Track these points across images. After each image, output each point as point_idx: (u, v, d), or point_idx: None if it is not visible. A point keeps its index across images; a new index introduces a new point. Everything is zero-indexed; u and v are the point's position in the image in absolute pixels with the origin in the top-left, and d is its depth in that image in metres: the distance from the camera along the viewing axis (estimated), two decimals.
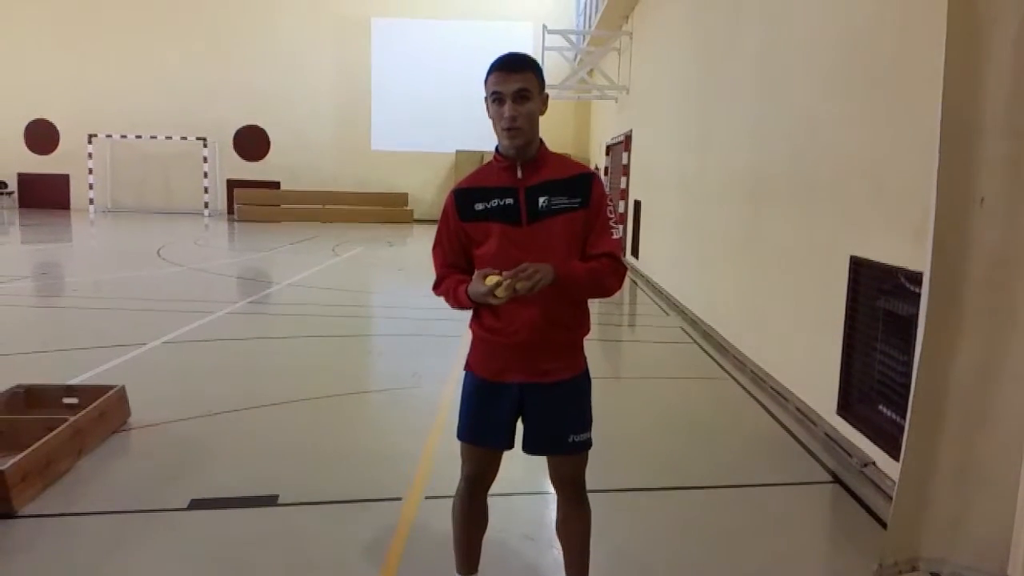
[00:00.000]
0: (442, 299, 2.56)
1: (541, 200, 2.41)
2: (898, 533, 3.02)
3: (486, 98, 2.39)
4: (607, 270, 2.45)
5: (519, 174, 2.43)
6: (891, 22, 4.52)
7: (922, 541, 3.03)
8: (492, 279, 2.27)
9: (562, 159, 2.55)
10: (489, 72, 2.37)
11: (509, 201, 2.42)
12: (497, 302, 2.28)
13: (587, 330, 2.57)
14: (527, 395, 2.50)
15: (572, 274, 2.37)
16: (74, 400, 4.66)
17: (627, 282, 10.80)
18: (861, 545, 3.56)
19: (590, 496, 2.69)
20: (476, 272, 2.35)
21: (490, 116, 2.40)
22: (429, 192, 26.61)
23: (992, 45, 2.74)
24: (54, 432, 3.95)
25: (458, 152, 25.53)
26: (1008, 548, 2.96)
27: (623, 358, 7.96)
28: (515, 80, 2.32)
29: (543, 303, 2.40)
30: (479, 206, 2.44)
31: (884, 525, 3.54)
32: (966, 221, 2.84)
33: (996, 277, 2.85)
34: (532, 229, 2.41)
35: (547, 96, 2.44)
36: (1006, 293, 2.84)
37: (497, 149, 2.46)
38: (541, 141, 2.47)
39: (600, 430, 2.65)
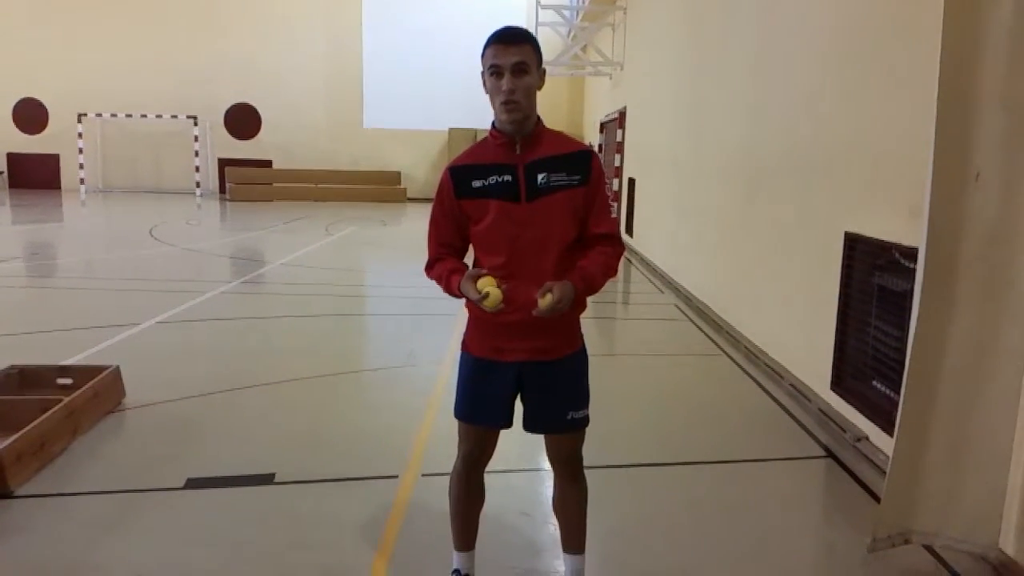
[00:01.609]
0: (434, 281, 2.54)
1: (540, 177, 2.39)
2: (892, 507, 3.04)
3: (483, 72, 2.36)
4: (612, 260, 2.48)
5: (517, 150, 2.41)
6: None
7: (915, 515, 3.06)
8: (483, 283, 2.26)
9: (559, 135, 2.52)
10: (486, 46, 2.34)
11: (507, 178, 2.39)
12: (488, 310, 2.28)
13: (583, 307, 2.57)
14: (526, 374, 2.50)
15: (589, 281, 2.40)
16: (68, 381, 4.65)
17: (621, 260, 10.84)
18: (855, 519, 3.59)
19: (586, 472, 2.70)
20: (468, 272, 2.34)
21: (487, 90, 2.37)
22: (422, 170, 26.51)
23: (989, 20, 2.72)
24: (49, 413, 3.95)
25: (451, 130, 25.41)
26: (1000, 522, 2.99)
27: (618, 336, 7.97)
28: (513, 53, 2.29)
29: (541, 281, 2.38)
30: (476, 183, 2.41)
31: (877, 499, 3.57)
32: (962, 196, 2.83)
33: (991, 252, 2.84)
34: (531, 206, 2.39)
35: (544, 71, 2.41)
36: (1001, 268, 2.85)
37: (494, 125, 2.43)
38: (538, 117, 2.44)
39: (595, 407, 2.65)
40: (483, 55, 2.34)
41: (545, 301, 2.26)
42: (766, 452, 4.48)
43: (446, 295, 2.54)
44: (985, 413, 2.94)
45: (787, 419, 5.03)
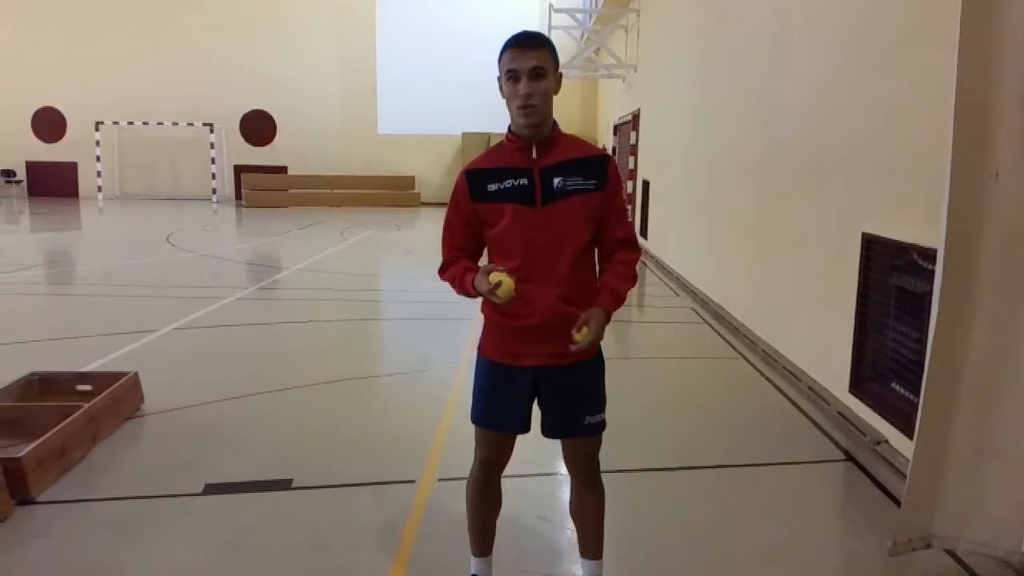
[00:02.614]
0: (447, 284, 2.54)
1: (556, 181, 2.39)
2: (912, 510, 3.01)
3: (499, 77, 2.37)
4: (633, 269, 2.51)
5: (534, 154, 2.41)
6: None
7: (936, 518, 3.02)
8: (495, 276, 2.26)
9: (575, 140, 2.53)
10: (503, 50, 2.34)
11: (523, 182, 2.40)
12: (498, 301, 2.29)
13: None
14: (543, 378, 2.49)
15: (619, 299, 2.45)
16: (88, 387, 4.69)
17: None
18: (875, 523, 3.56)
19: (603, 476, 2.70)
20: (483, 267, 2.34)
21: (503, 95, 2.38)
22: (436, 175, 26.56)
23: (1006, 19, 2.69)
24: (69, 419, 3.98)
25: (464, 134, 25.46)
26: (1023, 525, 2.95)
27: (634, 339, 7.94)
28: (530, 57, 2.29)
29: (556, 284, 2.39)
30: (492, 187, 2.42)
31: (898, 503, 3.53)
32: (981, 196, 2.80)
33: (1012, 252, 2.81)
34: (546, 210, 2.39)
35: (561, 75, 2.42)
36: (1021, 268, 2.81)
37: (510, 129, 2.44)
38: (555, 121, 2.44)
39: (612, 411, 2.64)
40: (500, 59, 2.35)
41: (582, 335, 2.30)
42: (784, 455, 4.45)
43: (460, 298, 2.54)
44: (1006, 415, 2.90)
45: (805, 422, 4.99)
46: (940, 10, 3.81)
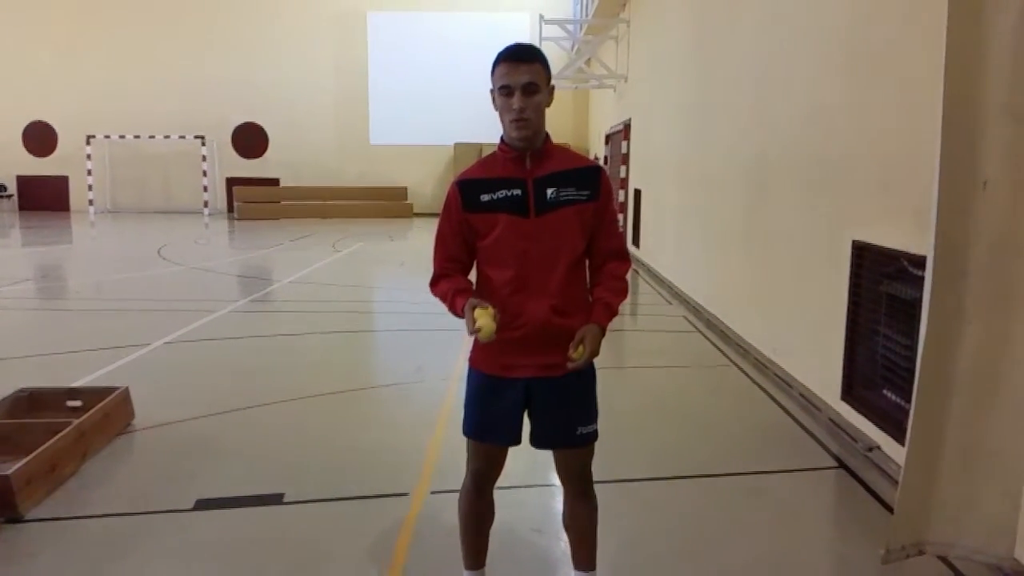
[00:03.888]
0: (438, 299, 2.53)
1: (549, 191, 2.40)
2: (905, 517, 3.01)
3: (492, 90, 2.38)
4: (625, 283, 2.53)
5: (527, 165, 2.42)
6: (893, 4, 4.49)
7: (929, 525, 3.02)
8: (478, 314, 2.25)
9: (567, 151, 2.54)
10: (496, 63, 2.35)
11: (517, 192, 2.40)
12: (480, 341, 2.30)
13: None
14: (534, 390, 2.49)
15: (612, 313, 2.46)
16: (78, 403, 4.66)
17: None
18: (867, 530, 3.56)
19: (596, 487, 2.69)
20: (470, 301, 2.33)
21: (497, 108, 2.38)
22: (428, 186, 26.59)
23: (994, 28, 2.71)
24: (58, 435, 3.95)
25: (456, 145, 25.49)
26: (1016, 531, 2.95)
27: (626, 348, 7.94)
28: (524, 72, 2.31)
29: (549, 296, 2.40)
30: (485, 197, 2.42)
31: (890, 509, 3.54)
32: (969, 205, 2.82)
33: (1000, 260, 2.83)
34: (540, 221, 2.40)
35: (553, 87, 2.43)
36: (1010, 276, 2.83)
37: (503, 139, 2.45)
38: (547, 133, 2.45)
39: (604, 421, 2.64)
40: (493, 73, 2.35)
41: (579, 353, 2.31)
42: (776, 463, 4.45)
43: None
44: (997, 421, 2.91)
45: (797, 429, 5.00)
46: (927, 20, 3.84)
